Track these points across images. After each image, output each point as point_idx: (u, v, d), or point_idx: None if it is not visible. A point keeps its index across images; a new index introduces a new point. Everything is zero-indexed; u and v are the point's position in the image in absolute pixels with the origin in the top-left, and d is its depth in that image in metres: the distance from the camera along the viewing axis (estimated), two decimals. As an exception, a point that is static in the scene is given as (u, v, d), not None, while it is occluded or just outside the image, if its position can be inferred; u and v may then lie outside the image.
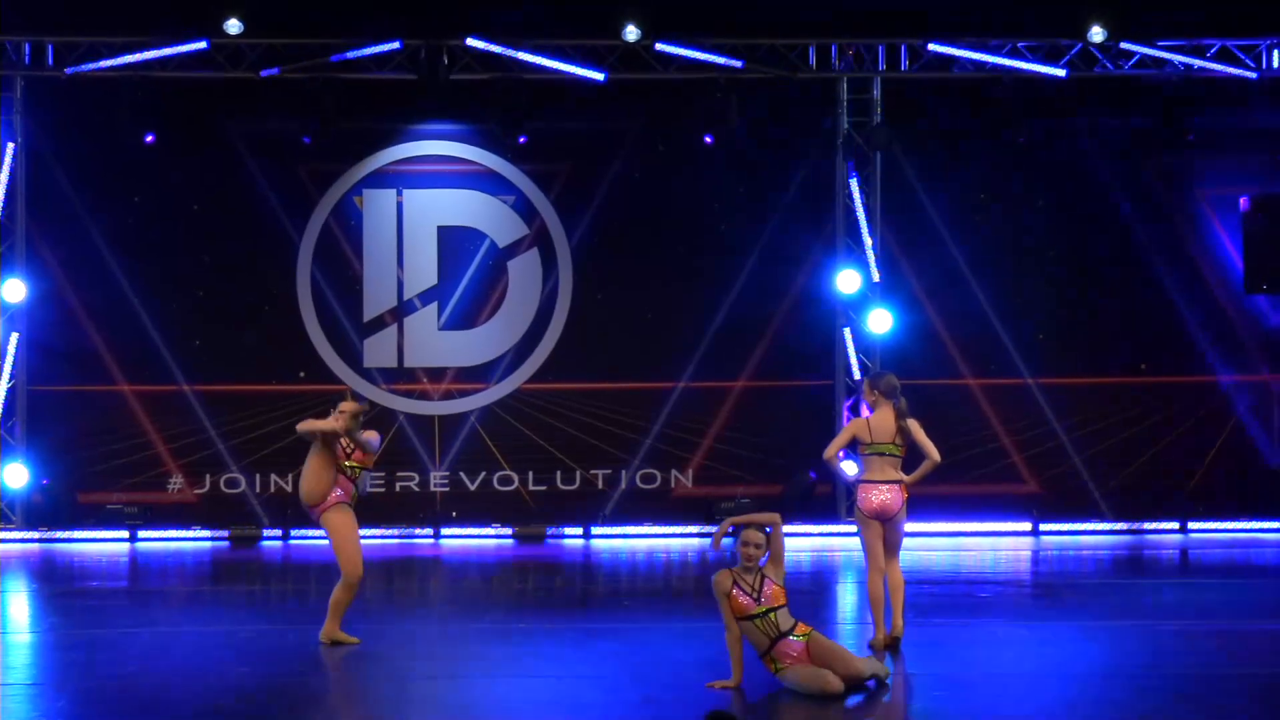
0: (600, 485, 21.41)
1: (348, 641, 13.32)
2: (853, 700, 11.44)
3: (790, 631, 11.67)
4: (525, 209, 21.39)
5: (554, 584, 18.05)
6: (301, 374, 21.13)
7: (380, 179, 21.31)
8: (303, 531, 20.40)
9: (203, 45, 20.12)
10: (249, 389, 20.97)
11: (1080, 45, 20.64)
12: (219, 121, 20.93)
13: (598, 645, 13.67)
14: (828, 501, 21.36)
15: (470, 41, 20.26)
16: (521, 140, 20.85)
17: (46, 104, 20.69)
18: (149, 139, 20.39)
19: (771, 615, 11.67)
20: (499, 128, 20.78)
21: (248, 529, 20.71)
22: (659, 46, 20.48)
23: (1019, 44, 20.78)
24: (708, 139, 20.83)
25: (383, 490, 21.04)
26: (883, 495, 13.21)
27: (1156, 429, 21.55)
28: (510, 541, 20.74)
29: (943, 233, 21.46)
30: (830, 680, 11.48)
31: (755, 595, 11.72)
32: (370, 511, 20.71)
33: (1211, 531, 21.16)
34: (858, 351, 21.18)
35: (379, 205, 21.30)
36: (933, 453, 13.22)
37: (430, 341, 21.35)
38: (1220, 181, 21.54)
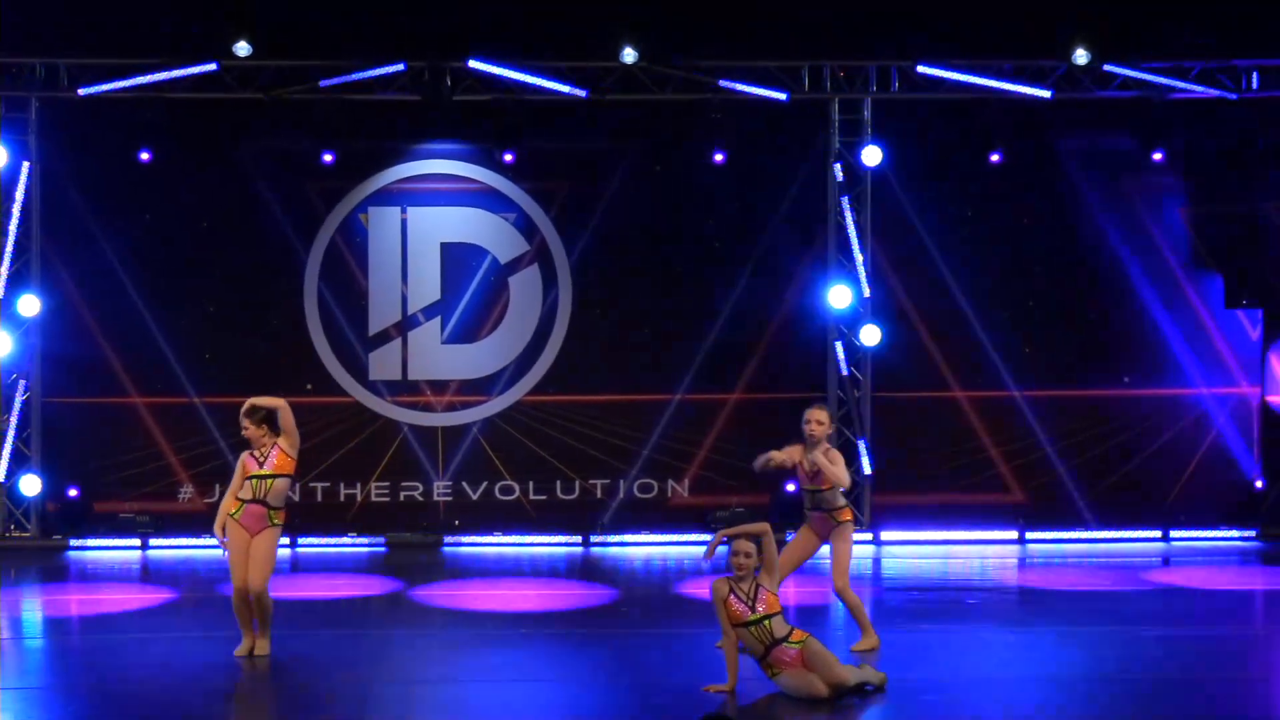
0: (599, 495, 21.55)
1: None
2: (845, 704, 11.70)
3: (785, 638, 11.92)
4: (526, 226, 21.57)
5: (554, 591, 18.28)
6: (308, 386, 21.17)
7: (385, 197, 21.47)
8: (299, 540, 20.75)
9: (212, 67, 20.32)
10: (257, 401, 21.06)
11: (1065, 67, 20.87)
12: (228, 140, 21.08)
13: (597, 650, 13.92)
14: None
15: (472, 63, 20.51)
16: (509, 159, 21.07)
17: (60, 124, 20.83)
18: (144, 156, 20.59)
19: (766, 623, 11.95)
20: (500, 147, 21.12)
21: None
22: (655, 68, 20.82)
23: (1005, 65, 21.03)
24: (718, 157, 21.03)
25: (387, 500, 21.36)
26: None
27: (1139, 440, 21.68)
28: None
29: (931, 249, 21.60)
30: (816, 685, 11.76)
31: (750, 603, 12.01)
32: (374, 520, 21.23)
33: (1192, 540, 21.30)
34: (849, 365, 21.37)
35: (384, 222, 21.50)
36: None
37: (433, 355, 21.51)
38: (1202, 199, 21.69)
